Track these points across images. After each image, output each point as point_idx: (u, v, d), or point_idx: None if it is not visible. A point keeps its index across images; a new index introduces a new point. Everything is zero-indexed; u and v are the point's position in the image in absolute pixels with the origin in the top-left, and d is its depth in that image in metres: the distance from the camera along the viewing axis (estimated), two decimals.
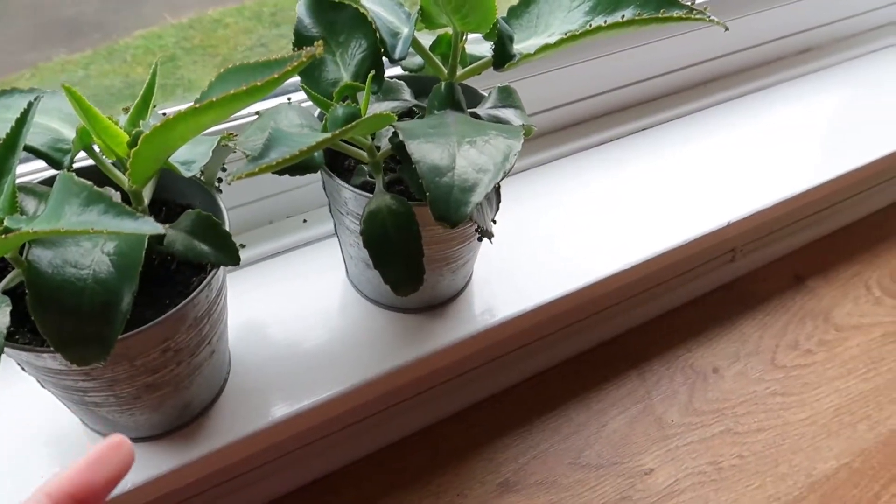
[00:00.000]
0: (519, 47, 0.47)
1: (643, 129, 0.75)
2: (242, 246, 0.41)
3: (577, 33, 0.44)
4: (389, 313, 0.55)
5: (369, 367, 0.51)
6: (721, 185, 0.69)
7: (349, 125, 0.38)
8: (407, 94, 0.51)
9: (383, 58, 0.46)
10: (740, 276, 0.77)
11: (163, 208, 0.46)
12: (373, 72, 0.44)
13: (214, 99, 0.31)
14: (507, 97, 0.52)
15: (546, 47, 0.44)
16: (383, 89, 0.50)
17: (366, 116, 0.40)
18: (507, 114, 0.51)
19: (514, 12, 0.50)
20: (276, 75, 0.32)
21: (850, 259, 0.80)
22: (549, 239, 0.62)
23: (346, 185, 0.46)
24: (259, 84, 0.31)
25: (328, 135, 0.38)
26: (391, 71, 0.53)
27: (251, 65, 0.34)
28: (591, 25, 0.44)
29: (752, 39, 0.83)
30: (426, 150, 0.39)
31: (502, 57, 0.45)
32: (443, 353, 0.54)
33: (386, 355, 0.52)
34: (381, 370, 0.51)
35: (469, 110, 0.50)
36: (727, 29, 0.46)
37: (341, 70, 0.46)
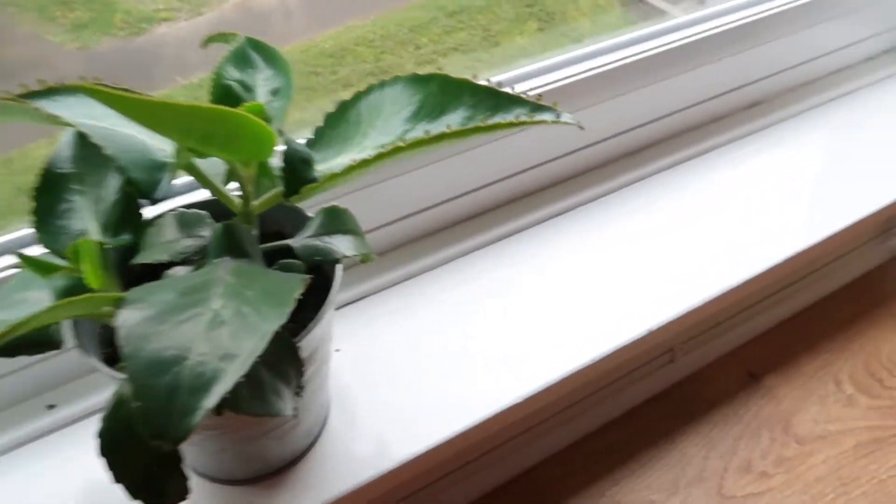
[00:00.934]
0: (328, 165, 0.38)
1: (549, 218, 0.65)
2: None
3: (384, 151, 0.34)
4: (209, 485, 0.44)
5: None
6: (645, 279, 0.59)
7: (32, 315, 0.28)
8: (208, 229, 0.41)
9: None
10: (681, 378, 0.66)
11: None
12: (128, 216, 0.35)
13: None
14: (335, 220, 0.42)
15: (349, 170, 0.34)
16: (182, 222, 0.41)
17: (62, 301, 0.30)
18: (335, 242, 0.41)
19: (330, 120, 0.40)
20: None
21: (815, 348, 0.69)
22: (426, 370, 0.52)
23: (102, 366, 0.36)
24: None
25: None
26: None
27: None
28: (404, 140, 0.34)
29: (685, 100, 0.73)
30: (145, 338, 0.29)
31: (292, 183, 0.35)
32: None
33: None
34: None
35: (288, 241, 0.41)
36: (582, 129, 0.37)
37: (87, 220, 0.36)
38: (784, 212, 0.65)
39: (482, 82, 0.37)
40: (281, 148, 0.35)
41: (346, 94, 0.41)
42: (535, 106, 0.36)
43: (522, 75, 0.65)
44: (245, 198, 0.38)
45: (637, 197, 0.67)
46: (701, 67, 0.71)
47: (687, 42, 0.68)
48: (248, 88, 0.39)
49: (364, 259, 0.42)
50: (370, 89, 0.40)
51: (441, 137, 0.33)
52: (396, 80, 0.39)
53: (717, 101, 0.75)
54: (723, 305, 0.59)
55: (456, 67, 0.81)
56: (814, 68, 0.81)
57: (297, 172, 0.35)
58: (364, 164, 0.33)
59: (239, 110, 0.31)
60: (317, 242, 0.41)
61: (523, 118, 0.34)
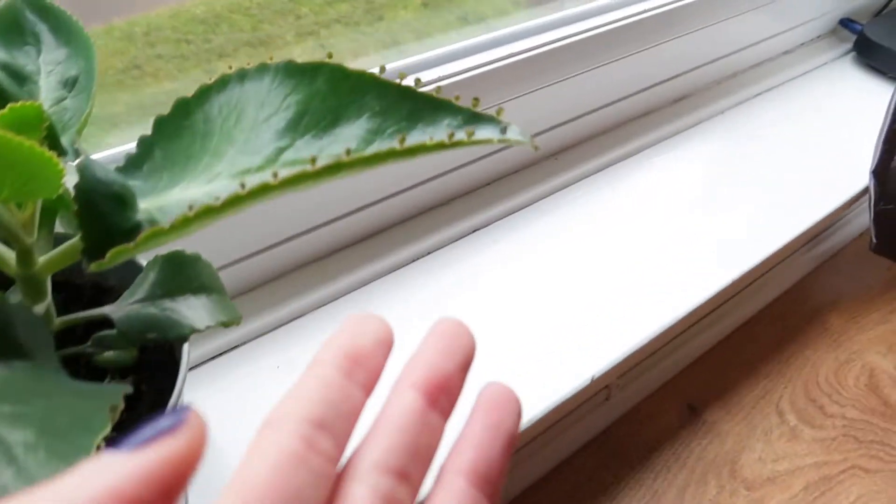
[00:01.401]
0: (158, 202, 0.24)
1: (438, 248, 0.54)
2: None
3: (244, 193, 0.21)
4: None
5: None
6: (569, 315, 0.49)
7: None
8: None
9: None
10: (617, 418, 0.57)
11: None
12: None
13: None
14: (180, 274, 0.29)
15: (183, 222, 0.21)
16: None
17: None
18: (180, 308, 0.28)
19: (164, 128, 0.27)
20: None
21: (753, 373, 0.62)
22: None
23: None
24: None
25: None
26: None
27: None
28: (275, 175, 0.21)
29: (606, 96, 0.64)
30: None
31: (93, 237, 0.22)
32: None
33: None
34: None
35: (104, 310, 0.27)
36: (537, 148, 0.26)
37: None
38: (717, 226, 0.58)
39: (386, 76, 0.25)
40: (73, 177, 0.22)
41: (222, 66, 0.28)
42: (472, 115, 0.24)
43: (421, 63, 0.53)
44: (22, 255, 0.24)
45: (549, 212, 0.57)
46: (622, 59, 0.62)
47: (605, 30, 0.59)
48: (21, 78, 0.25)
49: (227, 324, 0.29)
50: (226, 81, 0.27)
51: (336, 168, 0.21)
52: (264, 69, 0.26)
53: (642, 95, 0.66)
54: (667, 339, 0.51)
55: (340, 42, 0.68)
56: (737, 61, 0.74)
57: (102, 219, 0.22)
58: (209, 211, 0.20)
59: None
60: (151, 310, 0.28)
61: (459, 136, 0.23)
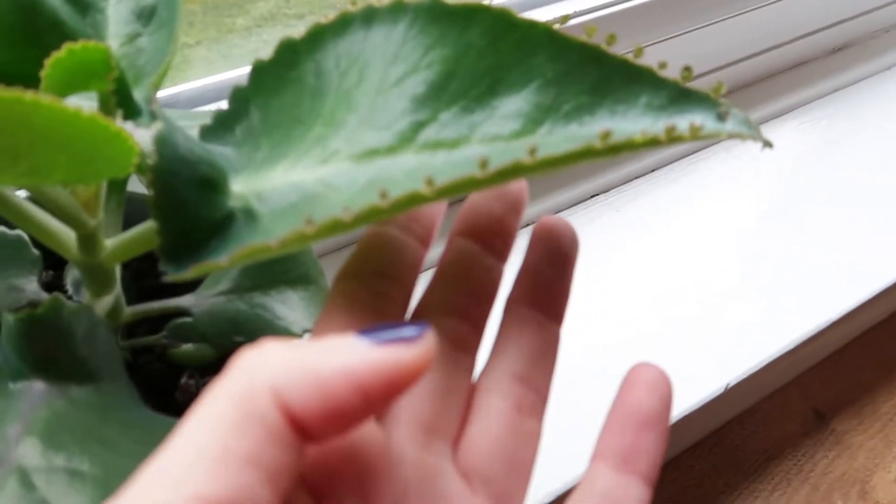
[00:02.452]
0: (256, 185, 0.19)
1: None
2: None
3: (384, 205, 0.15)
4: None
5: None
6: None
7: None
8: (30, 272, 0.22)
9: None
10: (733, 417, 0.51)
11: None
12: None
13: None
14: (271, 260, 0.23)
15: (296, 238, 0.15)
16: None
17: None
18: (274, 305, 0.23)
19: (264, 79, 0.21)
20: None
21: (893, 378, 0.54)
22: None
23: None
24: None
25: None
26: None
27: None
28: (430, 183, 0.15)
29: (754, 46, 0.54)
30: None
31: (174, 242, 0.16)
32: None
33: None
34: None
35: (182, 301, 0.22)
36: (770, 146, 0.19)
37: None
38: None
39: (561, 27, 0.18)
40: (149, 141, 0.16)
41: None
42: (679, 92, 0.17)
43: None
44: (85, 240, 0.19)
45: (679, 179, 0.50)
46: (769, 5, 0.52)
47: None
48: (83, 5, 0.19)
49: None
50: (346, 22, 0.20)
51: (511, 172, 0.14)
52: (399, 10, 0.20)
53: (795, 44, 0.57)
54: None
55: None
56: None
57: (183, 210, 0.16)
58: (336, 227, 0.14)
59: (36, 95, 0.12)
60: (238, 305, 0.22)
61: (681, 129, 0.16)
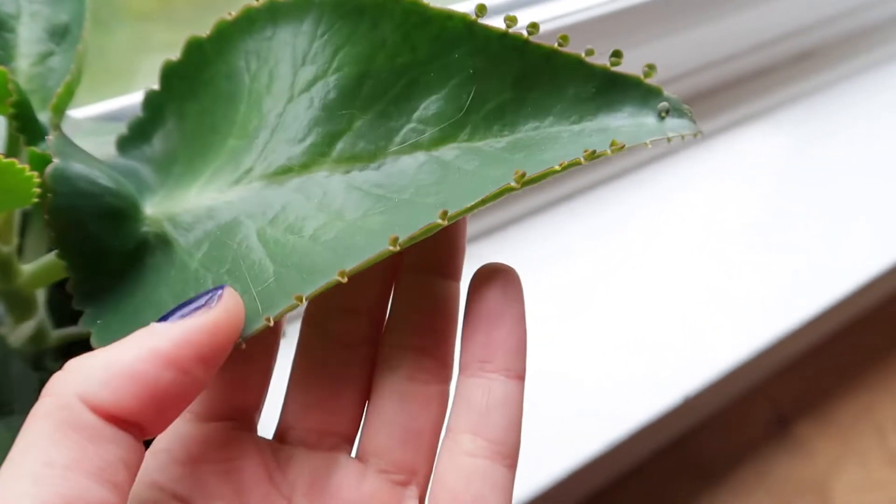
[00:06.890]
0: (173, 206, 0.18)
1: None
2: None
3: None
4: None
5: None
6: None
7: None
8: None
9: None
10: (696, 423, 0.51)
11: None
12: None
13: None
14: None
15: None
16: None
17: None
18: None
19: (171, 80, 0.20)
20: None
21: (853, 384, 0.55)
22: None
23: None
24: None
25: None
26: None
27: None
28: (395, 243, 0.15)
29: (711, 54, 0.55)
30: None
31: (82, 277, 0.16)
32: None
33: None
34: None
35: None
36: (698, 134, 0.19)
37: None
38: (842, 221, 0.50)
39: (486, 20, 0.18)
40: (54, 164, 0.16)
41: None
42: (609, 78, 0.17)
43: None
44: (0, 266, 0.18)
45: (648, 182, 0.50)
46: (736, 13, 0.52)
47: None
48: None
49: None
50: (252, 18, 0.19)
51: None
52: (304, 5, 0.18)
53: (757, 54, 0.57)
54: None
55: None
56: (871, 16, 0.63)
57: (89, 243, 0.15)
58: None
59: None
60: None
61: (616, 139, 0.15)
